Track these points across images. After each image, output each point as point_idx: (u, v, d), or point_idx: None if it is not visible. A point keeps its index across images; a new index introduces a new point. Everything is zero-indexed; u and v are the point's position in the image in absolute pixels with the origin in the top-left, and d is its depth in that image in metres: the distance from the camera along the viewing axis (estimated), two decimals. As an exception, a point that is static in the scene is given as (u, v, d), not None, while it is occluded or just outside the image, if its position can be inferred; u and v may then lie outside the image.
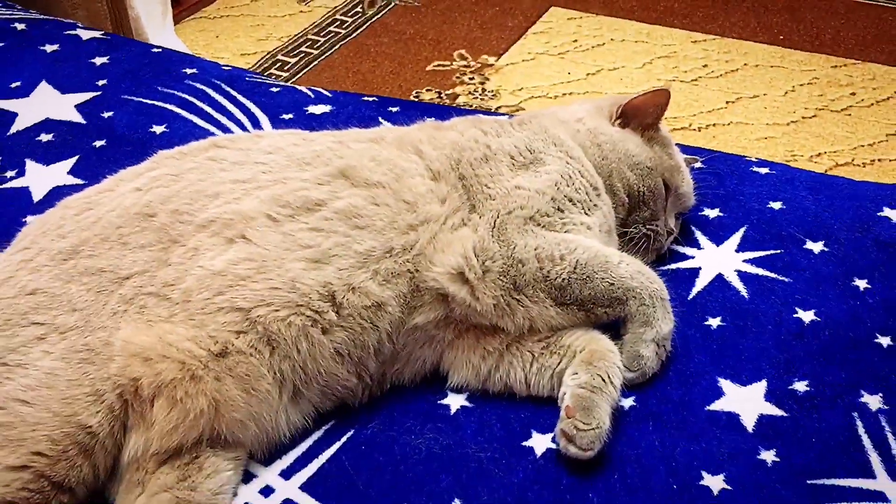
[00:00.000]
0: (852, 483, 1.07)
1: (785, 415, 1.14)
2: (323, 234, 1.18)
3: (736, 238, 1.39)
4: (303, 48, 3.36)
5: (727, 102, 2.93)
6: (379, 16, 3.56)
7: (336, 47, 3.36)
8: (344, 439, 1.17)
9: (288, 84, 1.89)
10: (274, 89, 1.84)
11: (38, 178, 1.62)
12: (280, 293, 1.13)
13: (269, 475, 1.13)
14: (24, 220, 1.52)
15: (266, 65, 3.24)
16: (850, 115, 2.81)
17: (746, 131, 2.79)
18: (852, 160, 2.63)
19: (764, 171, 1.52)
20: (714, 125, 2.82)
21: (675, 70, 3.11)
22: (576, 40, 3.32)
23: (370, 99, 1.81)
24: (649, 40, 3.28)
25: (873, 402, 1.14)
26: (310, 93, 1.83)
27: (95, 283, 1.15)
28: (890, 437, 1.11)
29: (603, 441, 1.09)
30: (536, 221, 1.21)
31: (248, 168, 1.26)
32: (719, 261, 1.35)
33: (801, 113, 2.84)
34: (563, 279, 1.17)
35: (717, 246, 1.38)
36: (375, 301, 1.16)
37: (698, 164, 1.50)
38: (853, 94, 2.90)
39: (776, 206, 1.43)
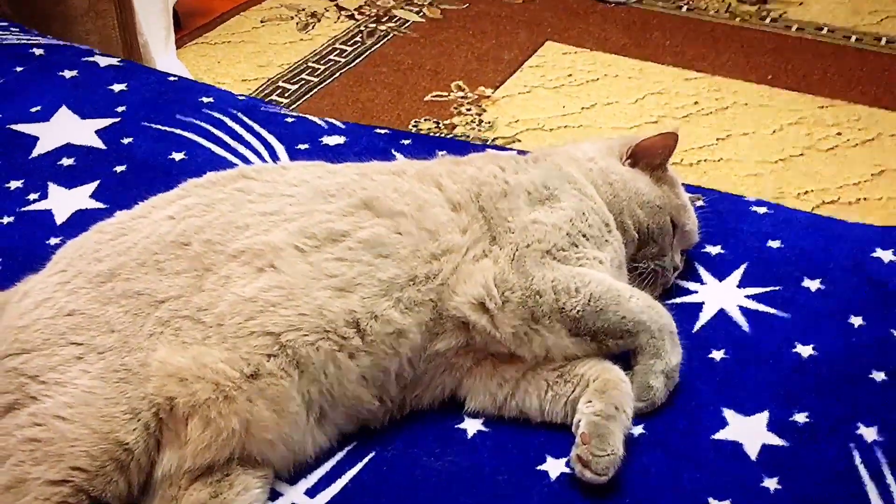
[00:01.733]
0: (850, 510, 1.13)
1: (786, 444, 1.20)
2: (347, 263, 1.23)
3: (737, 274, 1.45)
4: (303, 75, 3.42)
5: (717, 139, 3.01)
6: (378, 46, 3.64)
7: (336, 75, 3.42)
8: (366, 460, 1.21)
9: (301, 115, 1.94)
10: (288, 119, 1.90)
11: (61, 201, 1.66)
12: (308, 319, 1.19)
13: (294, 494, 1.18)
14: (47, 242, 1.57)
15: (267, 91, 3.30)
16: (836, 154, 2.91)
17: (736, 168, 2.88)
18: (838, 198, 2.72)
19: (762, 210, 1.60)
20: (705, 161, 2.90)
21: (667, 106, 3.19)
22: (570, 74, 3.41)
23: (382, 131, 1.87)
24: (641, 77, 3.37)
25: (869, 434, 1.21)
26: (323, 123, 1.89)
27: (133, 305, 1.19)
28: (885, 467, 1.17)
29: (617, 466, 1.14)
30: (553, 255, 1.27)
31: (276, 200, 1.31)
32: (722, 296, 1.42)
33: (788, 151, 2.94)
34: (578, 311, 1.24)
35: (720, 281, 1.45)
36: (398, 328, 1.22)
37: (700, 203, 1.57)
38: (839, 133, 3.00)
39: (774, 244, 1.50)
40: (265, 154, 1.78)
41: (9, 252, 1.54)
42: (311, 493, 1.18)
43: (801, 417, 1.23)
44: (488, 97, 3.28)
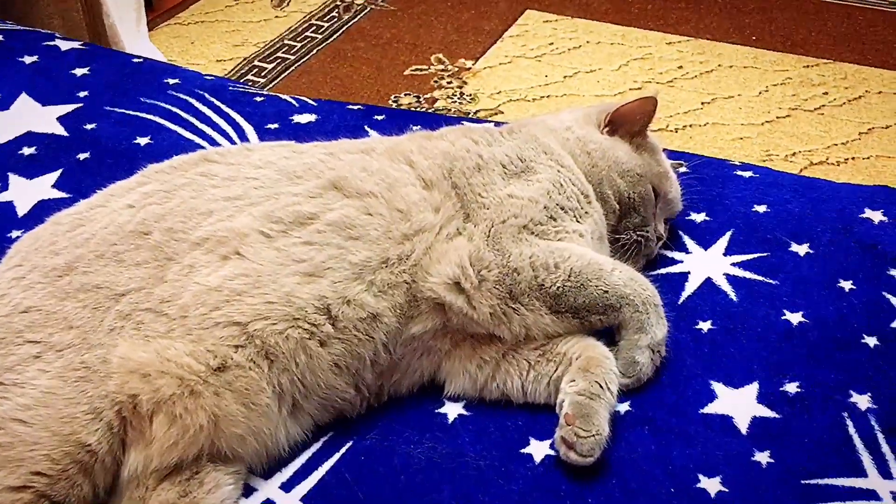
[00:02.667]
0: (845, 482, 1.09)
1: (777, 416, 1.16)
2: (316, 247, 1.18)
3: (723, 242, 1.41)
4: (279, 53, 3.34)
5: (702, 103, 2.96)
6: (355, 20, 3.56)
7: (313, 52, 3.35)
8: (343, 450, 1.17)
9: (271, 93, 1.88)
10: (258, 98, 1.84)
11: (23, 192, 1.61)
12: (276, 307, 1.13)
13: (269, 488, 1.14)
14: (9, 235, 1.51)
15: (243, 71, 3.23)
16: (823, 114, 2.86)
17: (722, 132, 2.82)
18: (826, 159, 2.67)
19: (747, 174, 1.55)
20: (690, 126, 2.85)
21: (651, 72, 3.13)
22: (552, 43, 3.34)
23: (355, 107, 1.81)
24: (624, 42, 3.31)
25: (862, 401, 1.17)
26: (294, 102, 1.83)
27: (91, 299, 1.14)
28: (880, 435, 1.13)
29: (602, 447, 1.10)
30: (530, 230, 1.22)
31: (240, 184, 1.26)
32: (707, 265, 1.37)
33: (775, 113, 2.88)
34: (558, 287, 1.19)
35: (705, 250, 1.40)
36: (371, 312, 1.17)
37: (683, 169, 1.52)
38: (826, 93, 2.94)
39: (761, 209, 1.46)
40: (234, 135, 1.72)
41: (-32, 247, 1.48)
42: (287, 487, 1.14)
43: (792, 387, 1.19)
44: (469, 69, 3.22)
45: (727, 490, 1.08)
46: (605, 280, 1.19)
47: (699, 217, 1.46)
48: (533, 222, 1.23)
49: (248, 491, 1.14)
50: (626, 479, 1.11)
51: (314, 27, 3.52)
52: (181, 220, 1.21)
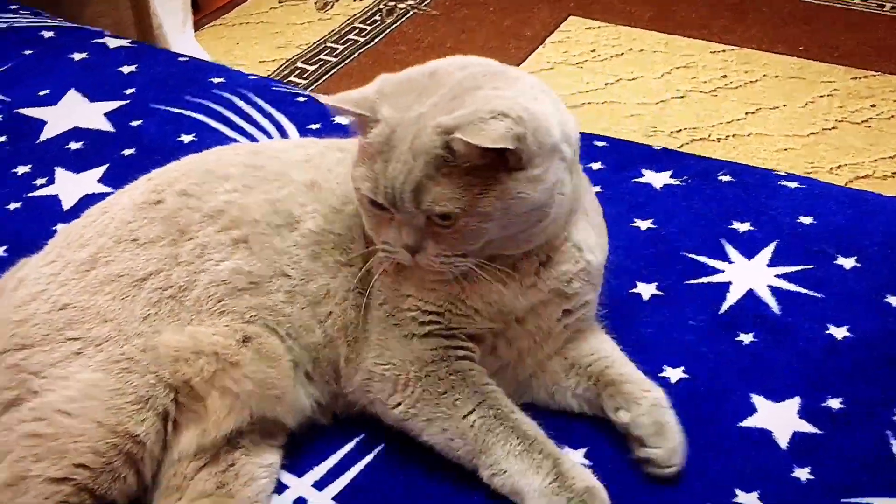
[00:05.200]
0: (886, 502, 1.06)
1: (819, 432, 1.14)
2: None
3: (767, 252, 1.38)
4: (322, 56, 3.37)
5: (746, 113, 2.92)
6: (397, 24, 3.58)
7: (355, 55, 3.37)
8: (375, 452, 1.17)
9: (312, 94, 1.90)
10: (300, 99, 1.85)
11: (68, 186, 1.63)
12: (271, 315, 1.15)
13: (301, 486, 1.14)
14: (53, 228, 1.54)
15: (285, 72, 3.26)
16: (870, 127, 2.81)
17: (766, 142, 2.79)
18: (873, 172, 2.62)
19: (793, 185, 1.52)
20: (734, 136, 2.82)
21: (694, 80, 3.10)
22: (594, 50, 3.32)
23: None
24: (668, 50, 3.28)
25: (907, 420, 1.14)
26: (337, 103, 1.83)
27: (117, 290, 1.15)
28: (924, 455, 1.10)
29: (683, 454, 1.10)
30: None
31: (263, 157, 1.25)
32: (750, 275, 1.35)
33: (820, 125, 2.84)
34: None
35: (748, 260, 1.38)
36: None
37: (727, 178, 1.50)
38: (873, 105, 2.89)
39: (806, 220, 1.43)
40: (276, 134, 1.73)
41: (14, 239, 1.51)
42: (320, 485, 1.14)
43: (834, 403, 1.17)
44: (510, 74, 3.21)
45: (765, 505, 1.06)
46: None
47: (743, 226, 1.44)
48: None
49: (280, 488, 1.14)
50: (662, 490, 1.09)
51: (357, 30, 3.54)
52: (196, 183, 1.20)
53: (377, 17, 3.63)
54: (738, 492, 1.08)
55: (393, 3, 3.73)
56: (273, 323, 1.15)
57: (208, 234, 1.17)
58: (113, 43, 2.02)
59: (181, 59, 2.01)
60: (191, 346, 1.11)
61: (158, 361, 1.10)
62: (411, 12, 3.66)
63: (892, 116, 2.84)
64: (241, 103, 1.81)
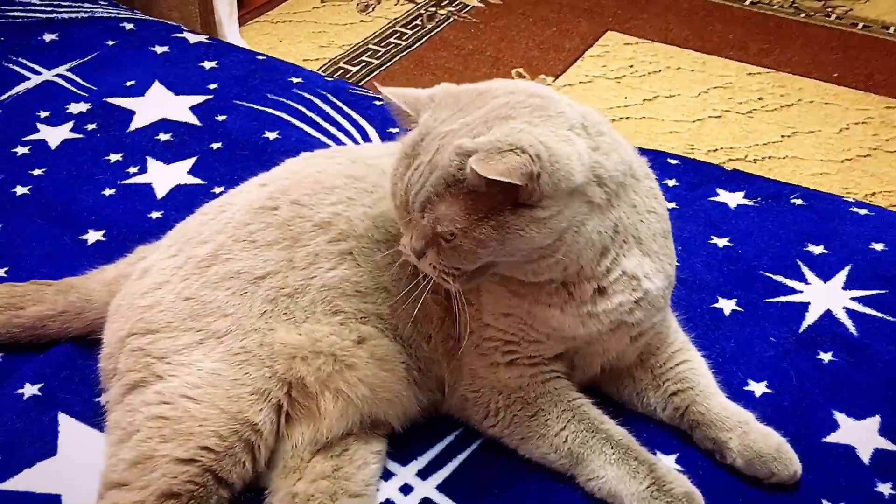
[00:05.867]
0: (965, 517, 1.13)
1: (897, 449, 1.21)
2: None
3: (842, 276, 1.45)
4: (364, 57, 3.42)
5: (782, 136, 2.99)
6: (438, 29, 3.63)
7: (396, 58, 3.42)
8: (476, 445, 1.23)
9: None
10: (377, 102, 1.91)
11: (160, 175, 1.68)
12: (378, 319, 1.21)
13: (407, 474, 1.20)
14: (149, 215, 1.59)
15: (329, 72, 3.30)
16: (904, 156, 2.88)
17: (801, 166, 2.86)
18: (907, 200, 2.70)
19: (863, 212, 1.59)
20: (769, 158, 2.89)
21: (731, 101, 3.17)
22: (632, 66, 3.39)
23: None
24: (705, 70, 3.35)
25: (982, 441, 1.21)
26: (413, 108, 1.89)
27: (237, 286, 1.20)
28: None
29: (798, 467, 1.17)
30: None
31: (360, 167, 1.30)
32: (827, 297, 1.42)
33: (855, 151, 2.91)
34: None
35: (825, 282, 1.45)
36: None
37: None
38: (906, 135, 2.97)
39: (878, 247, 1.50)
40: (357, 136, 1.78)
41: (113, 224, 1.56)
42: (423, 474, 1.20)
43: (914, 423, 1.23)
44: (550, 85, 3.27)
45: (851, 517, 1.13)
46: None
47: (817, 249, 1.51)
48: None
49: (386, 475, 1.20)
50: (752, 499, 1.15)
51: (398, 34, 3.60)
52: (306, 193, 1.25)
53: (418, 22, 3.69)
54: (824, 502, 1.14)
55: (434, 9, 3.78)
56: (384, 327, 1.20)
57: (319, 243, 1.22)
58: (192, 38, 2.07)
59: (259, 57, 2.06)
60: (308, 345, 1.16)
61: (274, 357, 1.16)
62: (452, 18, 3.71)
63: (926, 147, 2.92)
64: (321, 104, 1.87)
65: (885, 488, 1.16)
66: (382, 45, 3.52)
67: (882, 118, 3.06)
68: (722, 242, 1.51)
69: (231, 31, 3.20)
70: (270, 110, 1.84)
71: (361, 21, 3.71)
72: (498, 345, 1.19)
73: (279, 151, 1.68)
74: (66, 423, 1.25)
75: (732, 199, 1.61)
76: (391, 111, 1.17)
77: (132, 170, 1.70)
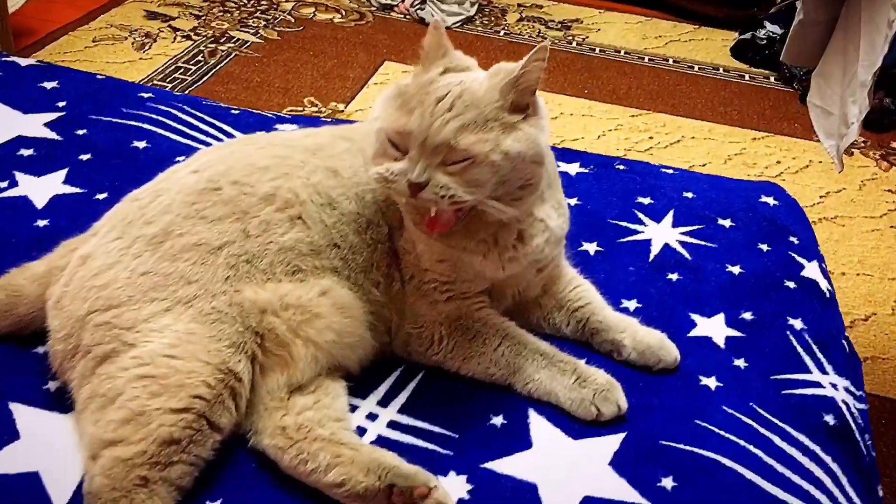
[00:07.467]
0: (800, 376, 1.46)
1: (743, 335, 1.52)
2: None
3: (669, 218, 1.78)
4: (152, 93, 3.42)
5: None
6: (222, 64, 3.72)
7: (186, 92, 3.46)
8: (420, 375, 1.39)
9: (244, 108, 2.05)
10: (234, 111, 2.00)
11: (35, 187, 1.67)
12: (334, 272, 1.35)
13: (369, 405, 1.34)
14: (35, 224, 1.59)
15: (120, 108, 3.27)
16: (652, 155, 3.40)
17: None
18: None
19: (670, 171, 1.95)
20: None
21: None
22: (412, 91, 3.68)
23: (327, 120, 2.03)
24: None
25: (797, 324, 1.55)
26: (270, 114, 2.01)
27: (196, 257, 1.28)
28: (814, 346, 1.52)
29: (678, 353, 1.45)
30: None
31: (280, 148, 1.43)
32: (662, 234, 1.74)
33: (612, 153, 3.39)
34: None
35: (658, 224, 1.77)
36: None
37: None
38: (650, 137, 3.50)
39: (689, 195, 1.86)
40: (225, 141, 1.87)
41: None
42: (384, 403, 1.35)
43: (747, 315, 1.56)
44: (342, 111, 3.48)
45: (720, 383, 1.42)
46: None
47: (645, 200, 1.83)
48: None
49: (351, 409, 1.32)
50: (648, 379, 1.41)
51: (182, 69, 3.64)
52: (244, 174, 1.35)
53: (200, 58, 3.75)
54: (700, 377, 1.43)
55: (213, 45, 3.86)
56: (340, 278, 1.34)
57: (268, 213, 1.33)
58: (23, 62, 2.04)
59: (99, 76, 2.07)
60: (276, 300, 1.27)
61: (245, 314, 1.25)
62: (234, 54, 3.81)
63: (667, 146, 3.46)
64: (180, 114, 1.93)
65: (740, 362, 1.47)
66: (168, 80, 3.54)
67: (629, 125, 3.59)
68: (573, 202, 1.79)
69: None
70: (132, 122, 1.87)
71: (140, 59, 3.70)
72: (437, 285, 1.37)
73: (154, 158, 1.74)
74: (20, 410, 1.24)
75: (571, 168, 1.90)
76: (432, 40, 1.30)
77: (2, 185, 1.67)
